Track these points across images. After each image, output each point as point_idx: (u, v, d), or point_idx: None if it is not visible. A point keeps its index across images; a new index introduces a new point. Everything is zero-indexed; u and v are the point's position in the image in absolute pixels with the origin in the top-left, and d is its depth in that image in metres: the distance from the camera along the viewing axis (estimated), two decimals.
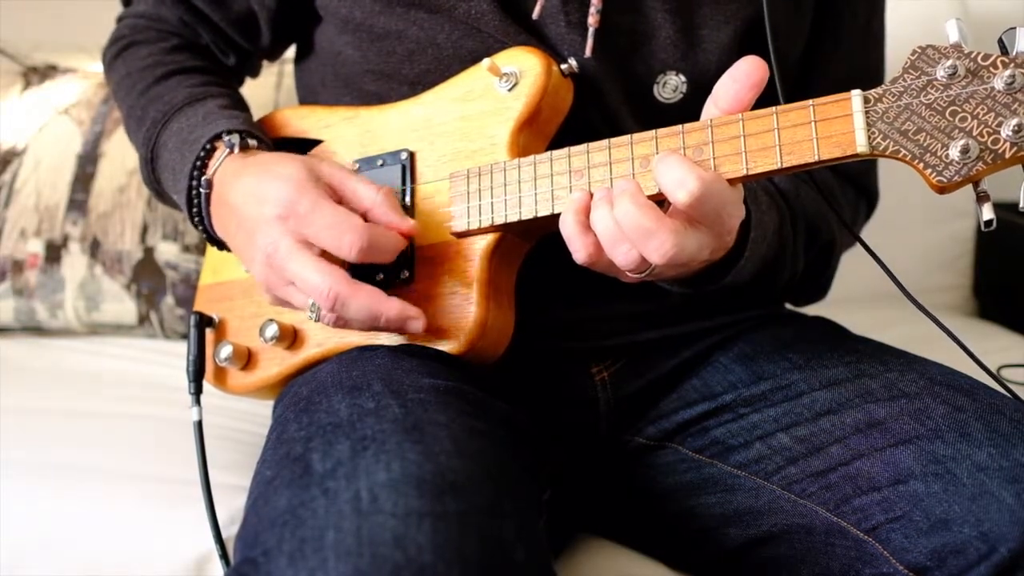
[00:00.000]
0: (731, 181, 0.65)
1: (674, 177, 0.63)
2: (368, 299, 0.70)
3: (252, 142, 0.79)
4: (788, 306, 0.98)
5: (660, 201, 0.66)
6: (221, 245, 0.82)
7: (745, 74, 0.64)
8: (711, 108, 0.67)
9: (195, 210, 0.80)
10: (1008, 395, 0.71)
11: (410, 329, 0.72)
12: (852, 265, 1.09)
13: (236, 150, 0.78)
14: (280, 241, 0.70)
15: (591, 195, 0.68)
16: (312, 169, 0.73)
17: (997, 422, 0.69)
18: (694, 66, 0.80)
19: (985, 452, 0.67)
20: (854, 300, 1.34)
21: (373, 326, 0.72)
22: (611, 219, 0.64)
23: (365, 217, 0.72)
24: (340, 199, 0.73)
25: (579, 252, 0.67)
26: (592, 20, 0.77)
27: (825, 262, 0.89)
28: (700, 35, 0.80)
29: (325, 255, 0.70)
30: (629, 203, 0.63)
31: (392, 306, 0.70)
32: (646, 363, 0.86)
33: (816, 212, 0.85)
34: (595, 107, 0.80)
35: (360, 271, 0.74)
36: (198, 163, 0.79)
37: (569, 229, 0.67)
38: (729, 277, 0.75)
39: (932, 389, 0.74)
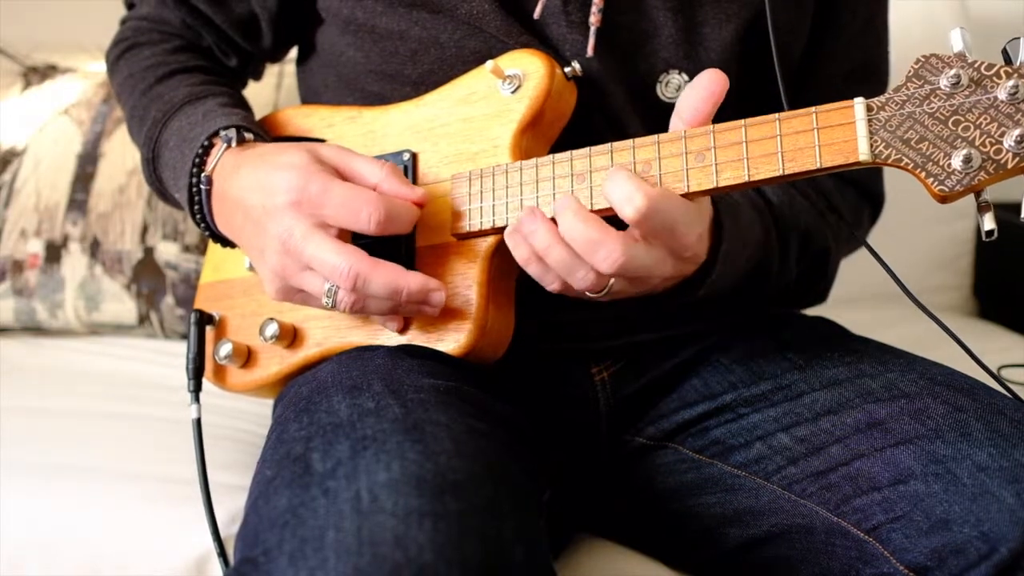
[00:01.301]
0: (732, 187, 0.65)
1: (622, 193, 0.64)
2: (389, 274, 0.70)
3: (249, 136, 0.79)
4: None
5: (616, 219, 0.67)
6: (224, 241, 0.82)
7: (703, 86, 0.65)
8: (676, 122, 0.67)
9: (196, 207, 0.80)
10: (1008, 395, 0.71)
11: (432, 302, 0.72)
12: (852, 265, 1.09)
13: (233, 144, 0.78)
14: (295, 226, 0.70)
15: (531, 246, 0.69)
16: (313, 153, 0.74)
17: (997, 422, 0.69)
18: (696, 65, 0.80)
19: (985, 452, 0.67)
20: (854, 300, 1.34)
21: (393, 305, 0.71)
22: (560, 246, 0.66)
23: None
24: (346, 179, 0.73)
25: (550, 285, 0.70)
26: (594, 19, 0.77)
27: (820, 271, 0.89)
28: (702, 34, 0.80)
29: (340, 238, 0.70)
30: (572, 218, 0.65)
31: (414, 279, 0.70)
32: (646, 363, 0.86)
33: (810, 222, 0.85)
34: (597, 107, 0.80)
35: None
36: (197, 160, 0.79)
37: (533, 270, 0.70)
38: (702, 291, 0.75)
39: (932, 389, 0.74)
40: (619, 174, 0.65)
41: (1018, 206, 0.61)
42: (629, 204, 0.63)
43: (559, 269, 0.67)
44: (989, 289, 1.59)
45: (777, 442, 0.78)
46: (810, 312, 0.95)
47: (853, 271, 1.13)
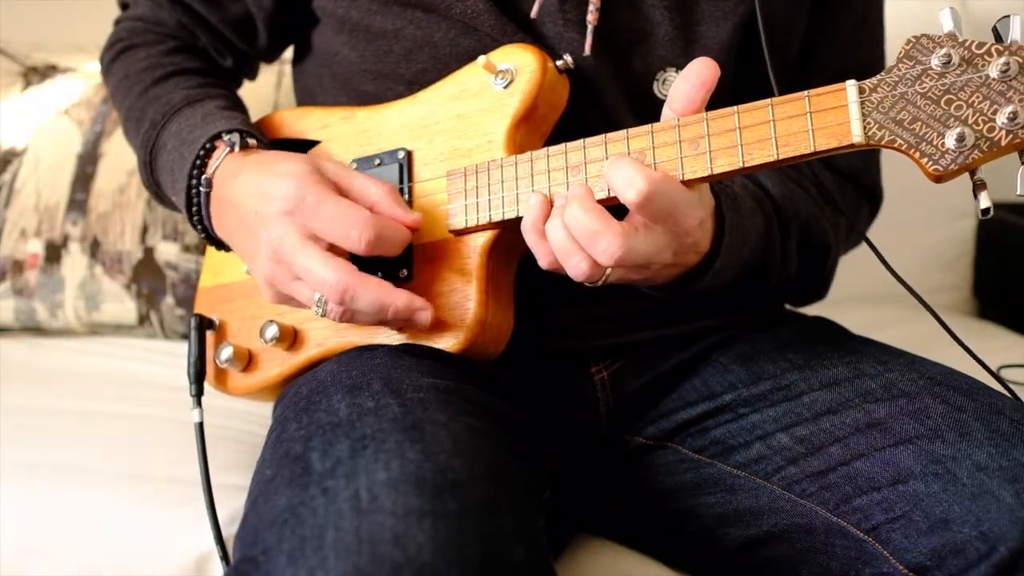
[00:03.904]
0: (727, 173, 0.65)
1: (623, 177, 0.64)
2: (377, 291, 0.70)
3: (252, 141, 0.79)
4: (788, 306, 0.98)
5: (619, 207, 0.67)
6: (220, 245, 0.82)
7: (695, 74, 0.65)
8: (668, 112, 0.68)
9: (194, 209, 0.80)
10: (1008, 395, 0.71)
11: (418, 320, 0.72)
12: (852, 265, 1.09)
13: (236, 149, 0.78)
14: (286, 235, 0.70)
15: (550, 202, 0.70)
16: (315, 165, 0.74)
17: (997, 422, 0.69)
18: None
19: (985, 452, 0.67)
20: (854, 300, 1.34)
21: (380, 319, 0.72)
22: (563, 229, 0.66)
23: (370, 212, 0.73)
24: (344, 195, 0.73)
25: (541, 259, 0.70)
26: (591, 18, 0.77)
27: (820, 265, 0.89)
28: (699, 31, 0.80)
29: (331, 250, 0.71)
30: (577, 207, 0.65)
31: (400, 297, 0.71)
32: (646, 363, 0.86)
33: (810, 215, 0.85)
34: (594, 106, 0.80)
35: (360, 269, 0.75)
36: (197, 162, 0.79)
37: (529, 238, 0.70)
38: (704, 282, 0.75)
39: (932, 389, 0.73)
40: (620, 160, 0.65)
41: (1017, 206, 0.61)
42: (630, 188, 0.63)
43: (556, 250, 0.67)
44: (989, 289, 1.58)
45: (777, 442, 0.78)
46: (810, 312, 0.95)
47: (853, 271, 1.13)
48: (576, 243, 0.66)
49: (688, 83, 0.66)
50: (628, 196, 0.64)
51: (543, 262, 0.70)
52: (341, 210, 0.70)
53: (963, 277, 1.59)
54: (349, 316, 0.71)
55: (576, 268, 0.67)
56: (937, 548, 0.65)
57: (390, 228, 0.72)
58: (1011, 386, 0.70)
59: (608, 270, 0.67)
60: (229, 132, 0.79)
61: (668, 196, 0.64)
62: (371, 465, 0.56)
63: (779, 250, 0.82)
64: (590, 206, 0.65)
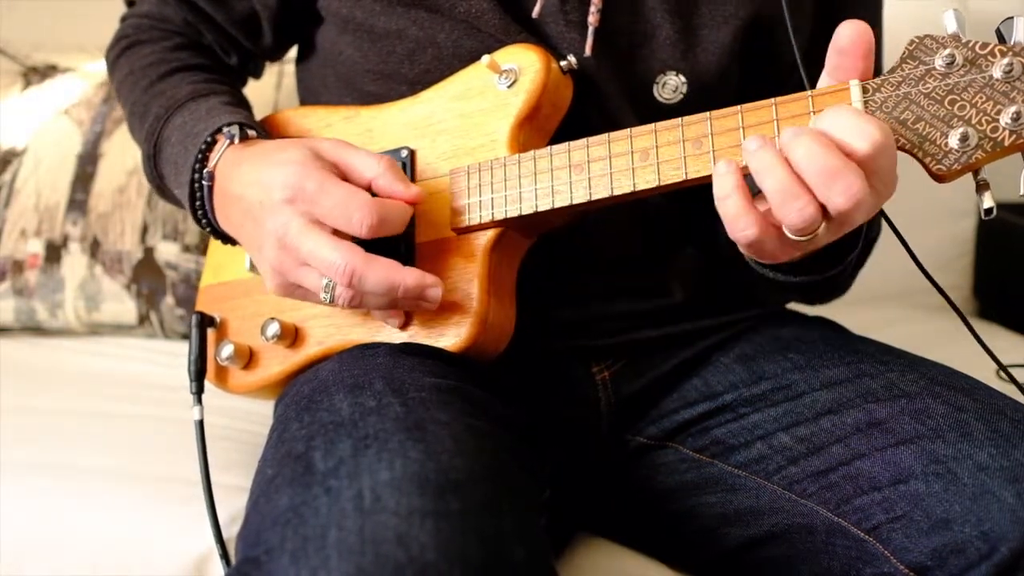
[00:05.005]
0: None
1: (853, 125, 0.59)
2: (385, 270, 0.69)
3: (252, 133, 0.79)
4: (788, 305, 0.98)
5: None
6: (225, 238, 0.82)
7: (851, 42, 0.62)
8: (828, 79, 0.64)
9: (198, 203, 0.81)
10: (1009, 395, 0.71)
11: (429, 297, 0.71)
12: None
13: (236, 141, 0.78)
14: (291, 222, 0.70)
15: (738, 168, 0.63)
16: (313, 149, 0.74)
17: (998, 422, 0.69)
18: (694, 66, 0.80)
19: (986, 452, 0.67)
20: (854, 300, 1.34)
21: (390, 300, 0.71)
22: (784, 169, 0.60)
23: (370, 189, 0.73)
24: (344, 175, 0.73)
25: (748, 229, 0.62)
26: (592, 19, 0.77)
27: (866, 256, 0.87)
28: (700, 35, 0.80)
29: (337, 233, 0.71)
30: (811, 143, 0.59)
31: (410, 275, 0.70)
32: (647, 363, 0.86)
33: None
34: (595, 107, 0.80)
35: None
36: (199, 156, 0.79)
37: (734, 208, 0.62)
38: (843, 263, 0.71)
39: (932, 389, 0.74)
40: (841, 108, 0.61)
41: (1017, 206, 0.61)
42: (863, 138, 0.58)
43: (775, 198, 0.60)
44: (989, 289, 1.58)
45: (777, 442, 0.78)
46: (810, 312, 0.95)
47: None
48: (803, 186, 0.59)
49: (846, 56, 0.62)
50: (860, 146, 0.59)
51: (751, 232, 0.62)
52: (343, 196, 0.70)
53: (963, 277, 1.59)
54: (358, 300, 0.71)
55: (799, 214, 0.59)
56: (938, 548, 0.66)
57: (391, 209, 0.71)
58: (1013, 387, 0.70)
59: (822, 225, 0.61)
60: (229, 125, 0.79)
61: (894, 150, 0.60)
62: (374, 465, 0.56)
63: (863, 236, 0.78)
64: (827, 142, 0.59)
